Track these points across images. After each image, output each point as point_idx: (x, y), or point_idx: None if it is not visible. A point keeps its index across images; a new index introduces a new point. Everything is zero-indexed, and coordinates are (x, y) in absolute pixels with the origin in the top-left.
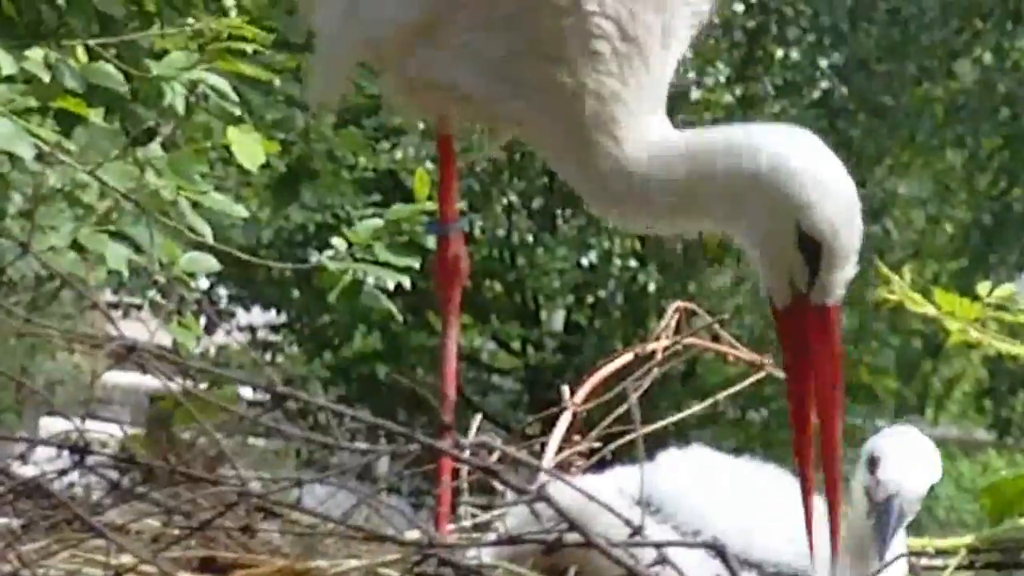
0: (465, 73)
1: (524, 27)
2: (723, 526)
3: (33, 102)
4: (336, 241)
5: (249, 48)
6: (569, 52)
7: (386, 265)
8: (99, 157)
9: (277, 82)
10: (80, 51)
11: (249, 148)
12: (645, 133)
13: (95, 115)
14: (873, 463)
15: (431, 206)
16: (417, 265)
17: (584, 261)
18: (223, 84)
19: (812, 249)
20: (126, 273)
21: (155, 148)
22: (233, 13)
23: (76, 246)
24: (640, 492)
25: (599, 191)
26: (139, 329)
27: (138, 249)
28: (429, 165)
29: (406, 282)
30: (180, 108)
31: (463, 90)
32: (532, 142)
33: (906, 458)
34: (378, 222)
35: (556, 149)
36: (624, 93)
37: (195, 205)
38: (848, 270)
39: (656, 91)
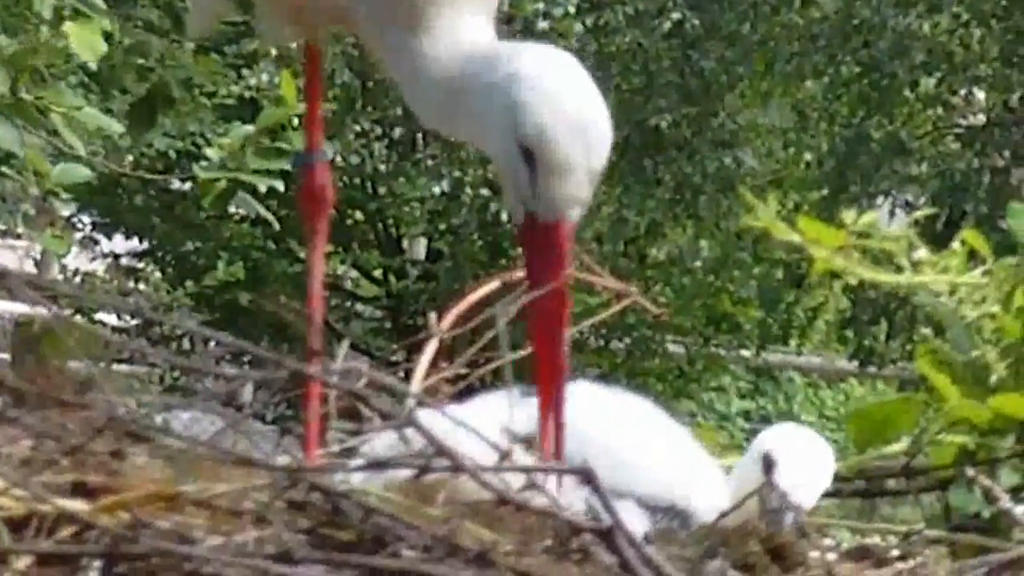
0: None
1: None
2: (604, 464)
3: None
4: (210, 152)
5: None
6: None
7: (258, 172)
8: None
9: None
10: None
11: (88, 39)
12: (453, 34)
13: None
14: (768, 466)
15: (301, 107)
16: (289, 166)
17: (437, 190)
18: None
19: (532, 160)
20: None
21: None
22: None
23: None
24: (509, 420)
25: (407, 91)
26: (6, 256)
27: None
28: None
29: (279, 186)
30: (47, 15)
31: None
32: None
33: (801, 469)
34: (249, 129)
35: (383, 53)
36: None
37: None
38: (570, 185)
39: None
